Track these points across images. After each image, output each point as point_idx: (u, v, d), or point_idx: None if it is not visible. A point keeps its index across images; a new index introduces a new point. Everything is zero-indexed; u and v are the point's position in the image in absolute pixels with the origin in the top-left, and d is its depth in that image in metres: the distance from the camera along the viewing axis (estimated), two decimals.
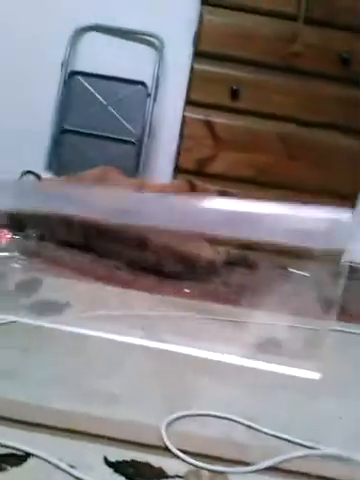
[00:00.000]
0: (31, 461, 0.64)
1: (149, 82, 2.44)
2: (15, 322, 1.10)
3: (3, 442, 0.65)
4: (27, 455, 0.65)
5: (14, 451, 0.65)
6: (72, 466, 0.64)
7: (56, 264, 1.62)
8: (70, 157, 2.48)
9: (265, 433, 0.81)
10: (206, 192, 1.82)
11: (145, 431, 0.77)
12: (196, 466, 0.70)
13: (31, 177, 1.95)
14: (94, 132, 2.45)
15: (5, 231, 1.70)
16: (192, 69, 2.30)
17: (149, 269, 1.66)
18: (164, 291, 1.55)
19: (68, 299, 1.33)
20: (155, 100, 2.45)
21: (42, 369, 0.92)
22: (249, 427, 0.82)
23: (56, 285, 1.47)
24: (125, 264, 1.70)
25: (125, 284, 1.57)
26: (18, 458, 0.64)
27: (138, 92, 2.46)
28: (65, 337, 1.07)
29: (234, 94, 2.27)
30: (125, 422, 0.79)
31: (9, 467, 0.63)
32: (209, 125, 2.32)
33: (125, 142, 2.45)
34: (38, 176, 1.96)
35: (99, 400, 0.84)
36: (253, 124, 2.32)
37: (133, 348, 1.08)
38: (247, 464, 0.72)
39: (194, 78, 2.30)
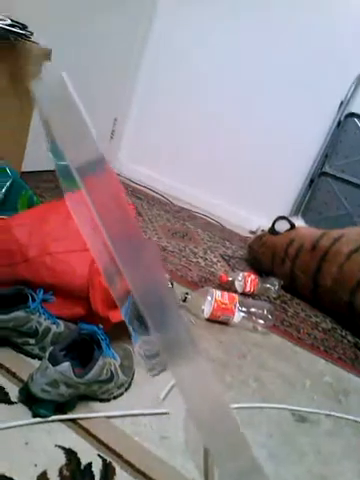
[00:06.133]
0: None
1: None
2: None
3: None
4: None
5: None
6: None
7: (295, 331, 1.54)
8: (322, 204, 2.36)
9: None
10: None
11: None
12: None
13: (285, 224, 1.90)
14: (355, 180, 2.28)
15: (252, 276, 1.69)
16: None
17: None
18: None
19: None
20: None
21: None
22: None
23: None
24: None
25: None
26: None
27: None
28: None
29: None
30: None
31: None
32: None
33: None
34: (292, 224, 1.90)
35: None
36: None
37: None
38: None
39: None
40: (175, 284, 1.54)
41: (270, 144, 2.47)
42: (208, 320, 1.41)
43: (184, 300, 1.43)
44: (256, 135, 2.51)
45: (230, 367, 1.20)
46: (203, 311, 1.41)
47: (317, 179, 2.35)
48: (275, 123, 2.45)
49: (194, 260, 1.92)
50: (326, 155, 2.34)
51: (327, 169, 2.33)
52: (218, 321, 1.41)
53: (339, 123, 2.29)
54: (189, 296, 1.45)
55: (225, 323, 1.42)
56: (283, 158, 2.44)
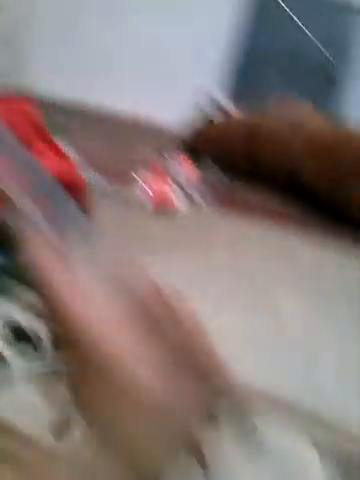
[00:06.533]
0: None
1: None
2: None
3: None
4: None
5: None
6: None
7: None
8: (252, 84, 2.27)
9: None
10: None
11: None
12: None
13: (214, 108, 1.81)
14: (286, 60, 2.19)
15: (188, 162, 1.61)
16: None
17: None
18: None
19: None
20: None
21: None
22: None
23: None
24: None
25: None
26: None
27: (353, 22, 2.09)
28: None
29: None
30: None
31: None
32: None
33: (321, 76, 2.14)
34: (227, 113, 1.80)
35: None
36: None
37: None
38: None
39: None
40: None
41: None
42: (152, 213, 1.33)
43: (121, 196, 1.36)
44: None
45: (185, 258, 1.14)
46: (143, 205, 1.34)
47: (245, 61, 2.24)
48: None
49: (124, 159, 1.82)
50: (254, 35, 2.21)
51: (257, 50, 2.21)
52: (163, 212, 1.34)
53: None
54: (125, 192, 1.37)
55: (170, 212, 1.35)
56: (198, 44, 2.30)
